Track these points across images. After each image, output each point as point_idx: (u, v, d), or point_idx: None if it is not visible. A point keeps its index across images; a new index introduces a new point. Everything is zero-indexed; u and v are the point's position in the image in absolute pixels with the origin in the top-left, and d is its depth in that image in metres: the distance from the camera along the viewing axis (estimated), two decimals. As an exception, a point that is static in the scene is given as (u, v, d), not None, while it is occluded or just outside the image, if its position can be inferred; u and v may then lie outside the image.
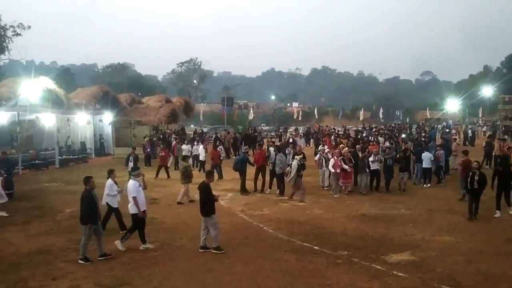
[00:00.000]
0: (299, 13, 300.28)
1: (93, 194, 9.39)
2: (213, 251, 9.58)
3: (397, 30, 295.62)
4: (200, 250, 9.69)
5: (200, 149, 22.85)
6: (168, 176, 20.19)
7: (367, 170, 16.17)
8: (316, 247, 9.95)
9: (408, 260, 9.15)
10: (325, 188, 16.98)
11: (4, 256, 9.65)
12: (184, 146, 24.18)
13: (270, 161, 16.78)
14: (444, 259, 9.09)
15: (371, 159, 16.19)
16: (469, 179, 12.42)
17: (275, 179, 16.37)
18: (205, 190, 9.78)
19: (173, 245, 10.31)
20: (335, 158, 15.86)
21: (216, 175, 18.77)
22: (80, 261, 9.03)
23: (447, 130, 40.82)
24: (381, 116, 64.19)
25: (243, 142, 28.71)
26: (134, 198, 9.75)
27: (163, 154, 21.19)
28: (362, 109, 64.51)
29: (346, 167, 15.69)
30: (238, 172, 16.73)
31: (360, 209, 13.82)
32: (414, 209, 13.76)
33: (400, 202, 14.84)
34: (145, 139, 26.90)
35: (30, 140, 25.05)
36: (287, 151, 19.58)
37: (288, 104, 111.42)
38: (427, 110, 65.56)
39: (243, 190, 16.42)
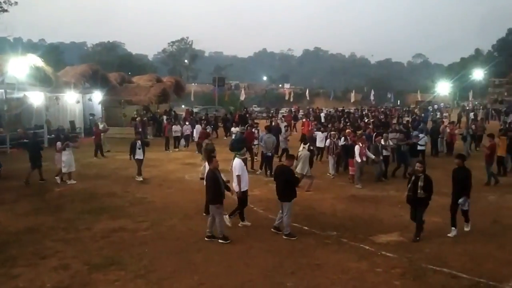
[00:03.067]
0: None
1: (218, 174, 9.35)
2: (284, 237, 9.40)
3: (389, 12, 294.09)
4: (272, 229, 9.74)
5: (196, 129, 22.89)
6: (95, 155, 20.30)
7: (381, 157, 15.44)
8: (306, 228, 10.03)
9: (396, 240, 9.26)
10: (332, 176, 16.14)
11: (-8, 235, 9.60)
12: (175, 127, 24.14)
13: (260, 143, 16.76)
14: (432, 240, 9.20)
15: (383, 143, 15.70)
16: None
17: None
18: (286, 174, 9.52)
19: (163, 225, 10.31)
20: (360, 145, 14.67)
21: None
22: (220, 241, 9.02)
23: (438, 113, 41.15)
24: (372, 98, 64.21)
25: (234, 123, 28.68)
26: (238, 176, 9.86)
27: (96, 131, 21.11)
28: (354, 91, 64.45)
29: (372, 156, 14.96)
30: (233, 152, 16.60)
31: (349, 191, 13.90)
32: (403, 191, 13.67)
33: (390, 183, 14.94)
34: (136, 119, 26.71)
35: (18, 118, 24.70)
36: (281, 137, 19.18)
37: (280, 85, 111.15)
38: (418, 92, 65.75)
39: None
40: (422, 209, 9.40)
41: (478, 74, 73.07)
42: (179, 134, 24.09)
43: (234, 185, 10.06)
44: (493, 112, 41.82)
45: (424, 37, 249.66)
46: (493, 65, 77.80)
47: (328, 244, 9.06)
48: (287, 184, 9.41)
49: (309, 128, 22.84)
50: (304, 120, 29.19)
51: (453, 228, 9.57)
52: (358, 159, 14.49)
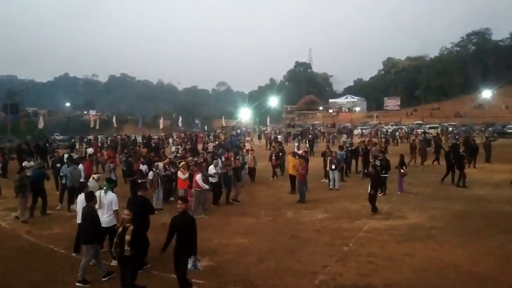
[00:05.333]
0: (94, 16, 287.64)
1: (95, 211, 8.79)
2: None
3: (194, 41, 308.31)
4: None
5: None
6: None
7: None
8: (114, 262, 9.48)
9: (206, 265, 9.37)
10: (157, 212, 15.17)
11: None
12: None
13: (61, 174, 15.45)
14: (239, 261, 9.60)
15: (212, 171, 15.29)
16: None
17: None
18: (142, 204, 9.33)
19: None
20: (200, 174, 14.08)
21: None
22: (78, 284, 8.29)
23: (242, 137, 44.11)
24: (180, 124, 65.57)
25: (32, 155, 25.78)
26: (117, 211, 9.34)
27: None
28: (162, 118, 64.93)
29: (206, 186, 14.18)
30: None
31: (160, 219, 13.69)
32: (212, 215, 14.25)
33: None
34: None
35: None
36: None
37: (85, 112, 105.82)
38: (223, 118, 69.49)
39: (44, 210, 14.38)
40: (132, 273, 7.48)
41: (273, 101, 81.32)
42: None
43: (108, 220, 9.26)
44: (288, 135, 46.66)
45: (226, 66, 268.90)
46: (285, 93, 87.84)
47: (139, 278, 8.70)
48: (143, 215, 9.23)
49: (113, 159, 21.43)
50: (105, 150, 25.81)
51: None
52: (205, 186, 13.99)
